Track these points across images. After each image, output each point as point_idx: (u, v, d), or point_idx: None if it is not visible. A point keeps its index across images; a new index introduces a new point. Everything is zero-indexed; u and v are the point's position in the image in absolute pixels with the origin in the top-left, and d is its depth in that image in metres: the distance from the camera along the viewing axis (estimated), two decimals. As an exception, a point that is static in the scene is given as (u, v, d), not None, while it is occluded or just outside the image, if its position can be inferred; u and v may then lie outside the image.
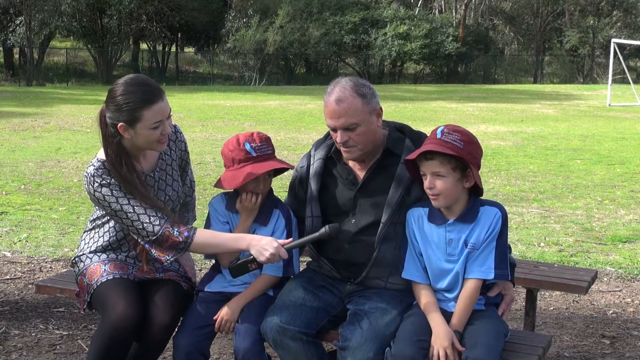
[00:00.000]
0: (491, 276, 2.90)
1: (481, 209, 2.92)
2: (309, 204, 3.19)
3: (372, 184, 3.11)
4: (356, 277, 3.11)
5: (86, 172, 3.15)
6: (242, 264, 3.05)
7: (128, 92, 3.04)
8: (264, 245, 3.00)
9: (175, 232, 3.07)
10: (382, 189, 3.08)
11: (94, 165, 3.13)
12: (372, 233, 3.07)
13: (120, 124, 3.04)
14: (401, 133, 3.17)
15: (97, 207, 3.28)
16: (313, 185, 3.18)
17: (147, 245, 3.11)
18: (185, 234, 3.07)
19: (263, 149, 3.16)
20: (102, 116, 3.12)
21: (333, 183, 3.19)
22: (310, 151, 3.29)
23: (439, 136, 2.87)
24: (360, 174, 3.14)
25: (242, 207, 3.21)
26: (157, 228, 3.06)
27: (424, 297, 2.94)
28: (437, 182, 2.87)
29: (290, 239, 3.09)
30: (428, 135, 3.14)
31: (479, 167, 2.93)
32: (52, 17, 37.60)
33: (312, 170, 3.21)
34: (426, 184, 2.89)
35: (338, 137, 3.03)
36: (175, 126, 3.34)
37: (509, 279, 3.02)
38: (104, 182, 3.09)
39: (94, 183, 3.10)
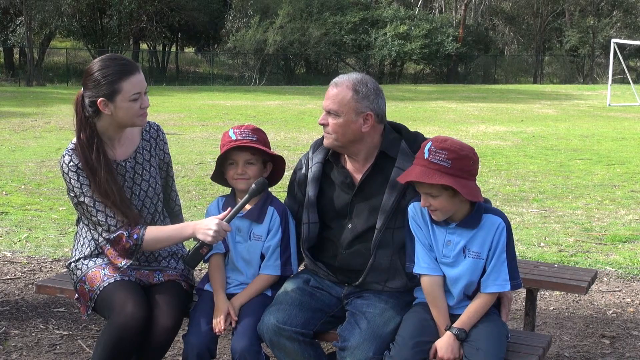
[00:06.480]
0: (508, 288, 2.91)
1: (484, 217, 2.89)
2: (306, 210, 3.16)
3: (368, 187, 3.08)
4: (354, 281, 3.10)
5: (63, 152, 3.17)
6: (193, 253, 3.04)
7: (105, 66, 3.09)
8: (206, 226, 3.02)
9: (126, 236, 3.09)
10: (378, 193, 3.05)
11: (69, 147, 3.15)
12: (369, 239, 3.05)
13: (100, 99, 3.06)
14: (398, 133, 3.14)
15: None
16: (311, 190, 3.15)
17: (102, 243, 3.12)
18: (135, 236, 3.10)
19: (244, 134, 3.17)
20: (78, 99, 3.14)
21: (330, 187, 3.15)
22: (308, 153, 3.26)
23: (426, 155, 2.80)
24: (357, 177, 3.10)
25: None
26: (112, 228, 3.09)
27: (434, 291, 2.91)
28: (432, 200, 2.84)
29: (229, 209, 3.08)
30: (424, 135, 3.13)
31: (473, 174, 2.85)
32: (52, 17, 37.58)
33: (310, 174, 3.18)
34: (422, 202, 2.87)
35: (321, 117, 3.07)
36: (157, 126, 3.37)
37: (521, 286, 3.05)
38: (72, 164, 3.10)
39: (64, 164, 3.13)
